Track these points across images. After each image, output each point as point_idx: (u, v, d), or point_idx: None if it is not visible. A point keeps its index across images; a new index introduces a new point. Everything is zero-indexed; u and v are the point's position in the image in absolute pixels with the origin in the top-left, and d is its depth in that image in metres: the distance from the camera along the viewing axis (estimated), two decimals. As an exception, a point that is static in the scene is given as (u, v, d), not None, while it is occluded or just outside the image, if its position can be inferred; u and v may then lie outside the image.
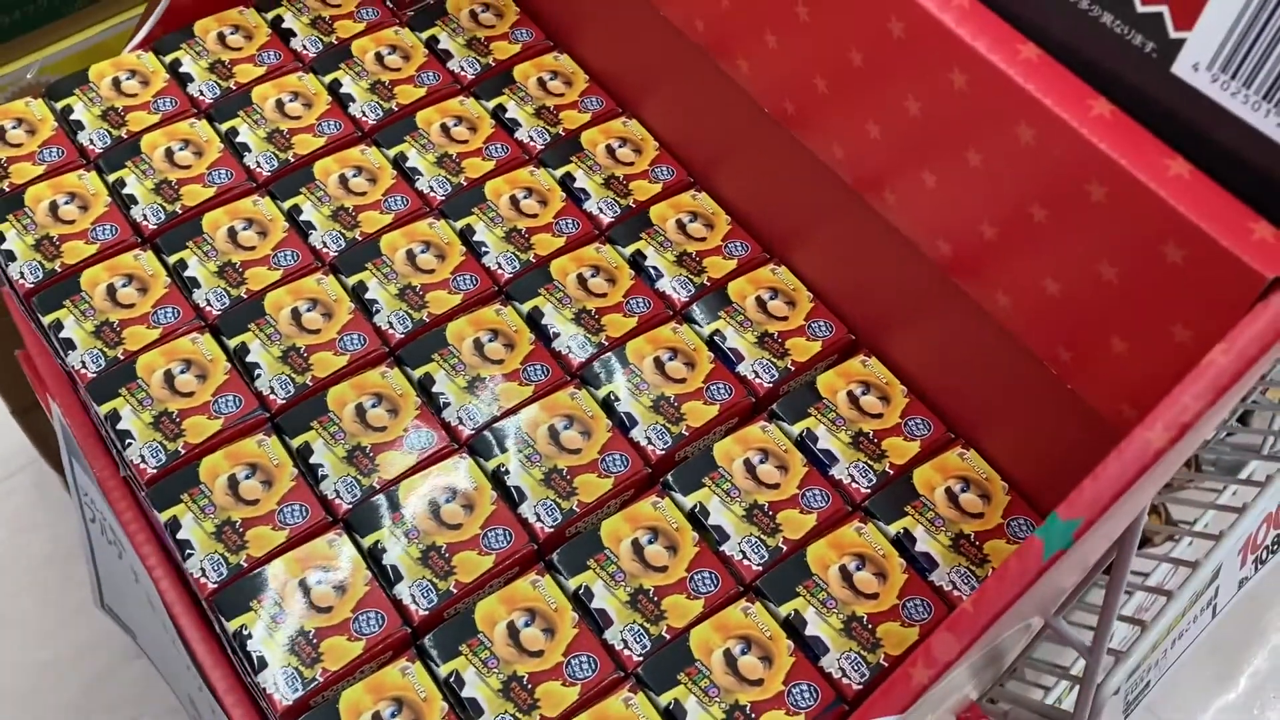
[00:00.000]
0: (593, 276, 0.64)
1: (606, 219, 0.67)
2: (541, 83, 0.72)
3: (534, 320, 0.62)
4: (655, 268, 0.65)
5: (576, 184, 0.68)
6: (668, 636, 0.53)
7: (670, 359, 0.61)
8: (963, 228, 0.50)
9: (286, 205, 0.66)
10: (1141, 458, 0.40)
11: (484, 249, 0.65)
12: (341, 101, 0.70)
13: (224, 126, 0.68)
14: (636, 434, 0.59)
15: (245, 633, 0.52)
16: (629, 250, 0.65)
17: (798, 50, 0.54)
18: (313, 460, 0.57)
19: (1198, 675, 1.21)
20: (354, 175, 0.67)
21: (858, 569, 0.55)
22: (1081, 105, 0.42)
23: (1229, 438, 1.16)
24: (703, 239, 0.66)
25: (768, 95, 0.58)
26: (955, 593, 0.54)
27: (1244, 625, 1.24)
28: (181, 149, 0.67)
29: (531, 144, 0.70)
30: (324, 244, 0.65)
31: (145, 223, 0.65)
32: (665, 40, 0.64)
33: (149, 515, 0.68)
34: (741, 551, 0.55)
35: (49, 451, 1.06)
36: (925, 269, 0.54)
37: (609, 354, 0.61)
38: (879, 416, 0.60)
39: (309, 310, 0.62)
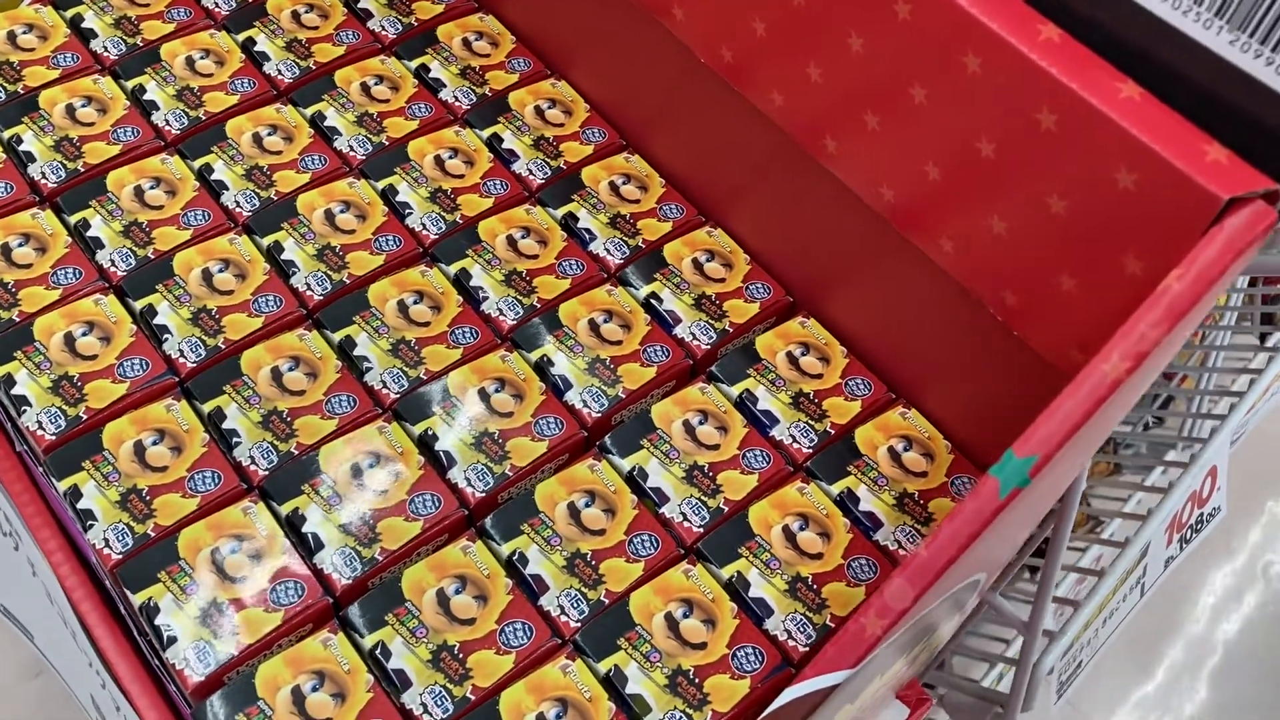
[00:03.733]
0: (523, 238, 0.62)
1: (537, 181, 0.64)
2: (467, 43, 0.70)
3: (461, 283, 0.60)
4: (588, 230, 0.63)
5: (504, 145, 0.66)
6: (606, 601, 0.50)
7: (605, 321, 0.59)
8: (907, 171, 0.49)
9: (197, 164, 0.62)
10: (1098, 389, 0.39)
11: (407, 210, 0.62)
12: (256, 60, 0.67)
13: (130, 84, 0.65)
14: (571, 397, 0.56)
15: (153, 605, 0.48)
16: (560, 212, 0.63)
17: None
18: (226, 426, 0.54)
19: (1117, 667, 1.22)
20: (269, 134, 0.63)
21: (801, 529, 0.53)
22: (1030, 30, 0.41)
23: (1148, 431, 1.17)
24: (636, 201, 0.64)
25: (704, 43, 0.56)
26: (901, 551, 0.53)
27: (1160, 617, 1.26)
28: (84, 105, 0.63)
29: (457, 104, 0.67)
30: (237, 204, 0.61)
31: (44, 181, 0.60)
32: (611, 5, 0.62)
33: (47, 495, 0.63)
34: (682, 514, 0.53)
35: None
36: (867, 221, 0.53)
37: (541, 316, 0.59)
38: (819, 377, 0.58)
39: (221, 271, 0.58)
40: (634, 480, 0.54)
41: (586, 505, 0.53)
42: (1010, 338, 0.49)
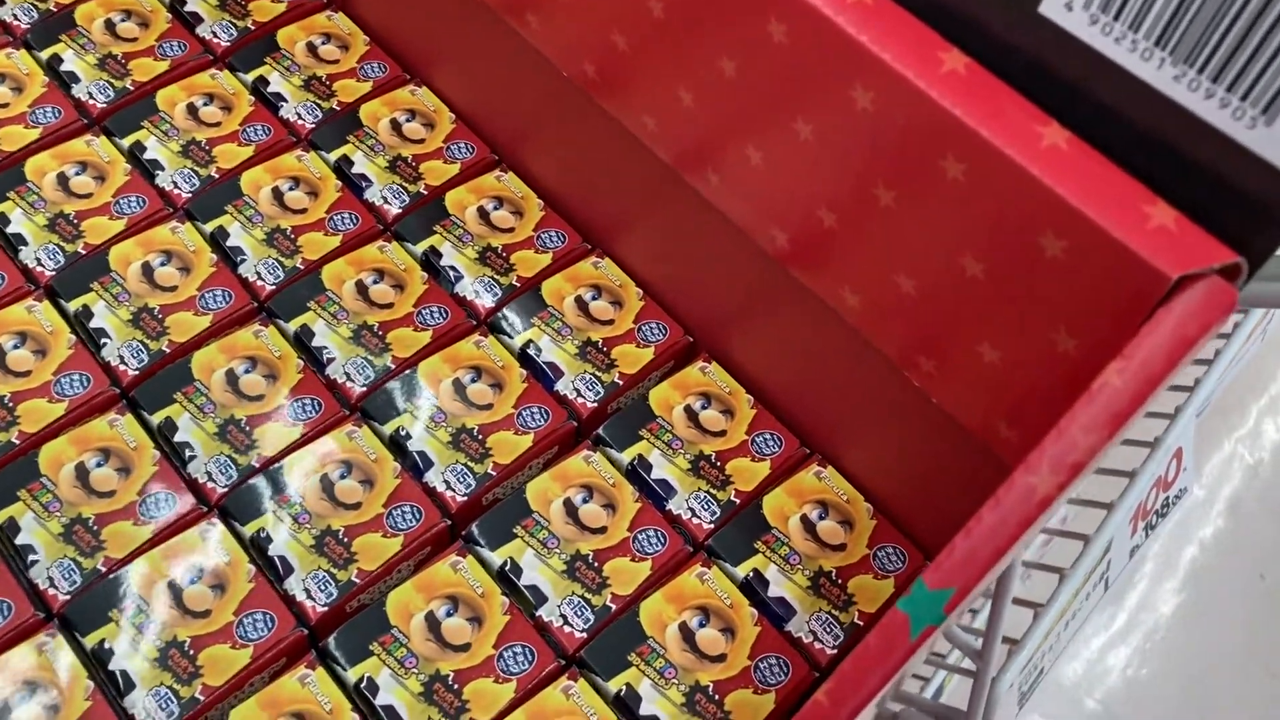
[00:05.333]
0: (375, 283, 0.53)
1: (393, 210, 0.56)
2: (312, 48, 0.61)
3: (303, 342, 0.51)
4: (453, 267, 0.54)
5: (354, 169, 0.57)
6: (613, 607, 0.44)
7: (473, 380, 0.51)
8: (798, 213, 0.41)
9: (126, 143, 0.54)
10: (1024, 508, 0.32)
11: (241, 257, 0.53)
12: (64, 81, 0.57)
13: (45, 54, 0.56)
14: (432, 477, 0.48)
15: (106, 649, 0.41)
16: (420, 248, 0.55)
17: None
18: (177, 439, 0.47)
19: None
20: (204, 104, 0.56)
21: (700, 625, 0.46)
22: (930, 59, 0.33)
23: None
24: (510, 229, 0.56)
25: (565, 56, 0.47)
26: (817, 645, 0.46)
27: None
28: None
29: (299, 123, 0.58)
30: (174, 185, 0.53)
31: None
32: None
33: None
34: (563, 616, 0.45)
35: None
36: (763, 262, 0.45)
37: (396, 379, 0.51)
38: (722, 434, 0.51)
39: (163, 265, 0.51)
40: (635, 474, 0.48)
41: (584, 501, 0.48)
42: (930, 402, 0.42)
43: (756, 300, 0.49)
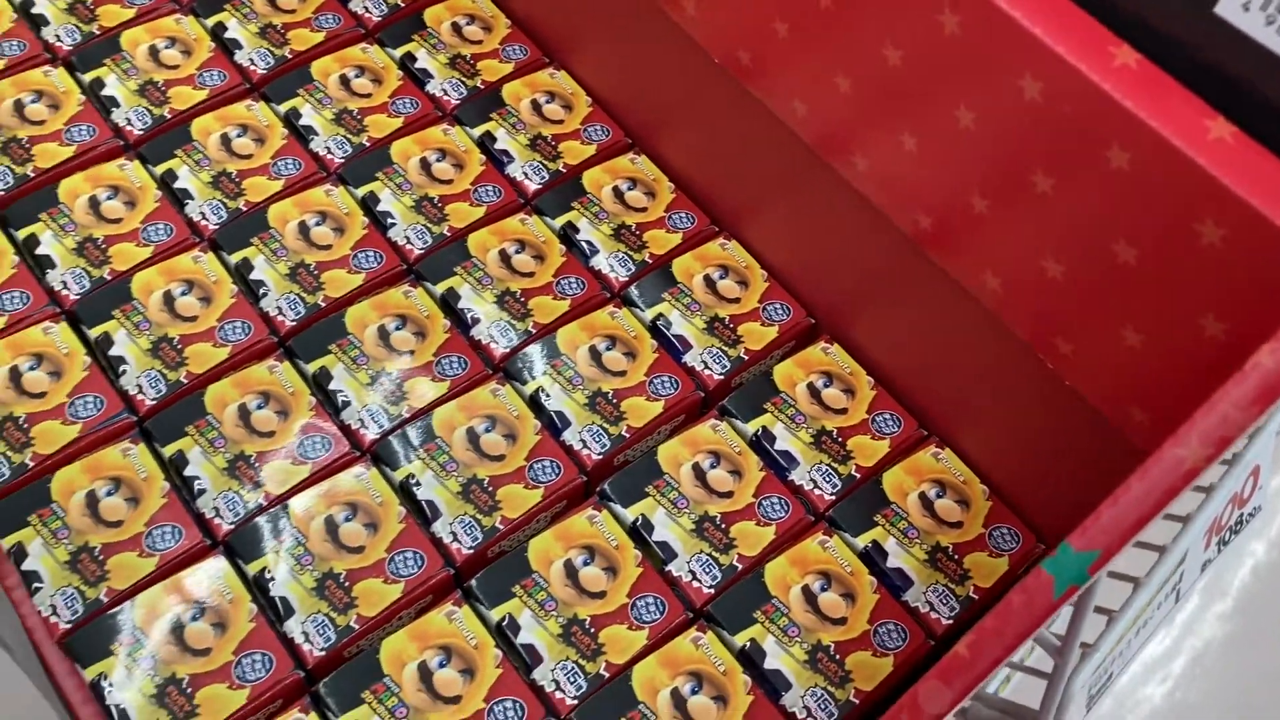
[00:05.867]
0: (517, 253, 0.56)
1: (533, 186, 0.59)
2: (457, 28, 0.64)
3: (449, 304, 0.54)
4: (589, 242, 0.57)
5: (498, 145, 0.60)
6: (606, 675, 0.45)
7: (608, 348, 0.54)
8: (947, 199, 0.43)
9: (159, 170, 0.56)
10: (1171, 478, 0.34)
11: (390, 221, 0.56)
12: (227, 48, 0.61)
13: (87, 77, 0.59)
14: (569, 436, 0.51)
15: (105, 683, 0.44)
16: (559, 222, 0.57)
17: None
18: (188, 473, 0.49)
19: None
20: (237, 135, 0.58)
21: (823, 589, 0.48)
22: (1101, 54, 0.35)
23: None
24: (643, 209, 0.58)
25: (718, 42, 0.50)
26: (933, 615, 0.48)
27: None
28: (34, 101, 0.57)
29: (445, 99, 0.61)
30: (202, 215, 0.56)
31: (-12, 189, 0.55)
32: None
33: None
34: (691, 572, 0.48)
35: None
36: (899, 245, 0.47)
37: (537, 342, 0.53)
38: (843, 412, 0.53)
39: (183, 294, 0.53)
40: (637, 533, 0.49)
41: (585, 564, 0.48)
42: (1061, 385, 0.44)
43: (884, 283, 0.52)
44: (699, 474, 0.50)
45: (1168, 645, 0.87)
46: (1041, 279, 0.41)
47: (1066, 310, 0.41)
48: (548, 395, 0.52)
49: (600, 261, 0.56)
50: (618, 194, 0.59)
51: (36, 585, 0.46)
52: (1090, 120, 0.36)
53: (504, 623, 0.46)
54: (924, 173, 0.43)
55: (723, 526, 0.49)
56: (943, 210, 0.44)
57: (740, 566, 0.48)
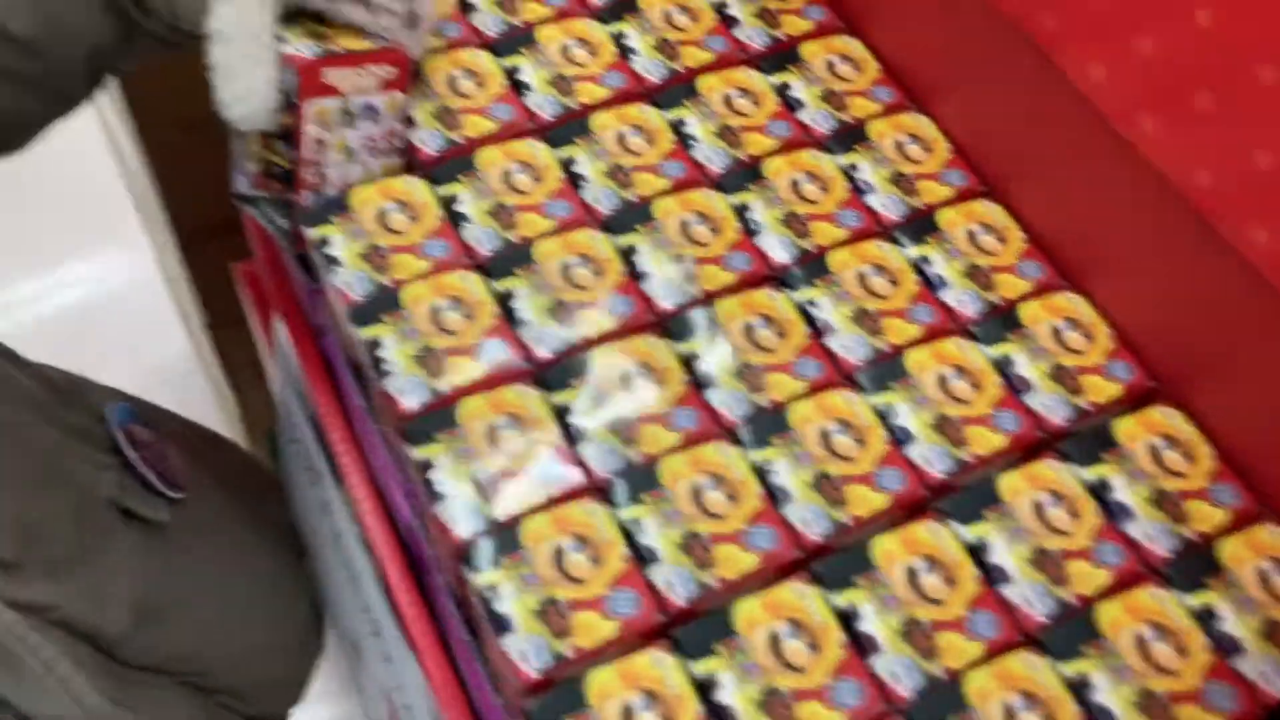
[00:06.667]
0: (875, 275, 0.59)
1: (892, 217, 0.62)
2: (830, 66, 0.68)
3: (807, 313, 0.58)
4: (940, 276, 0.60)
5: (860, 175, 0.63)
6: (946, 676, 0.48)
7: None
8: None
9: (561, 154, 0.62)
10: None
11: (757, 230, 0.61)
12: (625, 53, 0.67)
13: (506, 62, 0.65)
14: (913, 452, 0.54)
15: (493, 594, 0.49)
16: (914, 253, 0.61)
17: (1186, 50, 0.48)
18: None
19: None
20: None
21: (1156, 639, 0.49)
22: None
23: None
24: (994, 254, 0.61)
25: (1122, 109, 0.52)
26: (1268, 688, 0.48)
27: None
28: (465, 78, 0.64)
29: (816, 127, 0.65)
30: (596, 200, 0.61)
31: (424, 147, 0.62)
32: (983, 31, 0.59)
33: (367, 453, 0.65)
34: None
35: (230, 365, 1.04)
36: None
37: (888, 361, 0.57)
38: (1182, 476, 0.54)
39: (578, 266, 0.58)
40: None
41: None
42: None
43: (1244, 349, 0.52)
44: (1038, 511, 0.52)
45: None
46: None
47: None
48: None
49: (948, 295, 0.59)
50: (970, 237, 0.62)
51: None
52: None
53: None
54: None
55: (1059, 561, 0.51)
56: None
57: (1077, 604, 0.50)
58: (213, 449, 0.79)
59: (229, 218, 0.85)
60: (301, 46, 0.55)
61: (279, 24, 0.55)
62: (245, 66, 0.53)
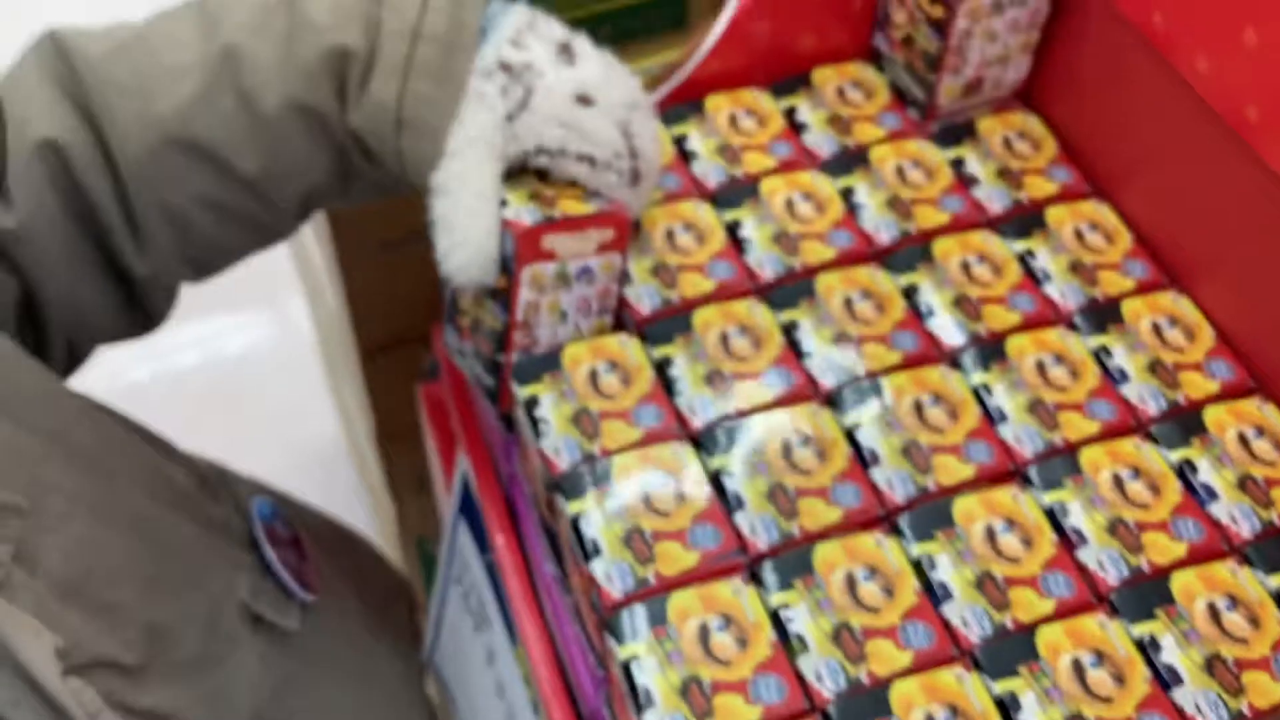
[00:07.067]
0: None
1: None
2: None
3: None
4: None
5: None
6: None
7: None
8: None
9: (783, 318, 0.59)
10: None
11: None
12: (854, 211, 0.63)
13: (727, 216, 0.62)
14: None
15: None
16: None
17: None
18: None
19: None
20: (860, 299, 0.59)
21: None
22: None
23: None
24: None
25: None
26: None
27: None
28: (684, 232, 0.61)
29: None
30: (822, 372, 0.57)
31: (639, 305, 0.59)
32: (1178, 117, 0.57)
33: (549, 619, 0.62)
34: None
35: (400, 479, 1.05)
36: None
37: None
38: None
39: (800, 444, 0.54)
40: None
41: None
42: None
43: None
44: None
45: None
46: None
47: None
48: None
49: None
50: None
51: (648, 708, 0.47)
52: None
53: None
54: None
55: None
56: None
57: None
58: (346, 546, 0.77)
59: (407, 334, 0.88)
60: (522, 210, 0.54)
61: (503, 180, 0.55)
62: (466, 222, 0.53)
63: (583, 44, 0.56)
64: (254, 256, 0.63)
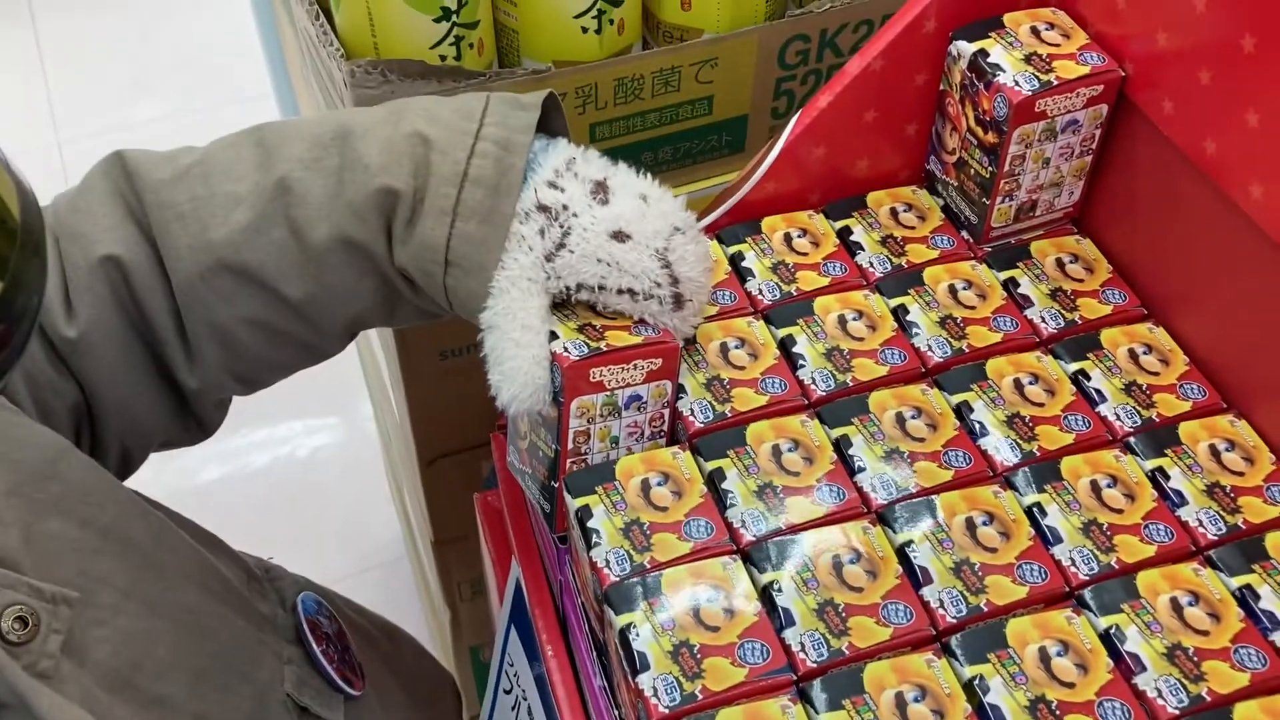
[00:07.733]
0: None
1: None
2: (1133, 355, 0.63)
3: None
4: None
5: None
6: None
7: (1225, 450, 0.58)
8: None
9: (835, 433, 0.59)
10: None
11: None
12: (906, 329, 0.64)
13: (781, 332, 0.64)
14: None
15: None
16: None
17: None
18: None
19: None
20: (912, 416, 0.60)
21: None
22: None
23: None
24: (1240, 473, 0.57)
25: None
26: None
27: None
28: (737, 347, 0.63)
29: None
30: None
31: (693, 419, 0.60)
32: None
33: (590, 716, 0.61)
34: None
35: (456, 585, 1.05)
36: None
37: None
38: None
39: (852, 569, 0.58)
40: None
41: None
42: None
43: None
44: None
45: None
46: None
47: None
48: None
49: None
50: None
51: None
52: None
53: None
54: None
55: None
56: None
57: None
58: (390, 641, 0.77)
59: (467, 442, 0.91)
60: (569, 344, 0.56)
61: (552, 312, 0.57)
62: (515, 354, 0.55)
63: (620, 178, 0.58)
64: (322, 365, 0.66)
